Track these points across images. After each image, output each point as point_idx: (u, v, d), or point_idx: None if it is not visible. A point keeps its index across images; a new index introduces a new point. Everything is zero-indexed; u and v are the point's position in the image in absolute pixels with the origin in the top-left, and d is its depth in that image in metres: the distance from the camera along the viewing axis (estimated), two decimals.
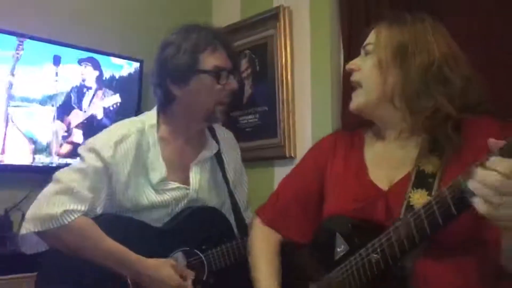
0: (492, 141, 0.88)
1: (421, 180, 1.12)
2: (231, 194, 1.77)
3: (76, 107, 2.56)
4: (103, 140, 1.63)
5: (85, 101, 2.59)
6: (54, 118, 2.48)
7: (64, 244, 1.51)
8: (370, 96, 1.23)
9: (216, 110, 1.66)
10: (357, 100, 1.26)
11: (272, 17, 2.79)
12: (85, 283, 1.50)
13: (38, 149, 2.43)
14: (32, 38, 2.43)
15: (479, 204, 0.86)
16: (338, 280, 1.17)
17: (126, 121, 1.74)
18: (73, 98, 2.54)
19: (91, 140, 1.67)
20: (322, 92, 2.58)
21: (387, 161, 1.24)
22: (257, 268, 1.37)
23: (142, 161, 1.64)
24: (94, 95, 2.62)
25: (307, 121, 2.64)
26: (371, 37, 1.26)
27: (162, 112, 1.72)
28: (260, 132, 2.86)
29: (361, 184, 1.24)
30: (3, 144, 2.34)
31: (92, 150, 1.59)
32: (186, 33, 1.65)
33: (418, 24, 1.21)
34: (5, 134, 2.34)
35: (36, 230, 1.49)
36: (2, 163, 2.34)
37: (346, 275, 1.15)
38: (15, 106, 2.37)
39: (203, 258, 1.63)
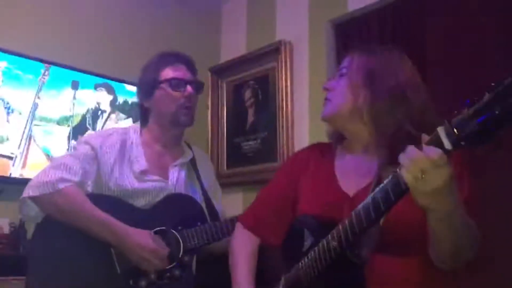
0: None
1: None
2: (207, 199, 1.97)
3: (90, 128, 2.80)
4: (94, 135, 2.02)
5: (99, 123, 2.84)
6: (69, 137, 2.73)
7: (57, 209, 1.73)
8: (342, 111, 1.40)
9: (179, 114, 1.92)
10: (327, 109, 1.43)
11: (274, 50, 3.03)
12: (71, 255, 1.70)
13: None
14: (56, 64, 2.70)
15: (403, 173, 1.01)
16: (304, 268, 1.29)
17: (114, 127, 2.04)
18: (88, 119, 2.79)
19: (84, 137, 2.08)
20: (319, 119, 2.73)
21: (354, 171, 1.38)
22: (236, 266, 1.53)
23: (126, 155, 1.90)
24: (108, 117, 2.86)
25: (305, 145, 2.80)
26: (346, 62, 1.44)
27: (143, 123, 2.02)
28: (261, 156, 3.05)
29: (330, 191, 1.38)
30: (25, 160, 2.59)
31: (84, 142, 1.89)
32: (153, 57, 1.99)
33: (386, 54, 1.40)
34: (27, 150, 2.59)
35: (34, 194, 1.72)
36: (22, 177, 2.56)
37: (310, 263, 1.27)
38: (35, 125, 2.63)
39: (178, 236, 1.80)
